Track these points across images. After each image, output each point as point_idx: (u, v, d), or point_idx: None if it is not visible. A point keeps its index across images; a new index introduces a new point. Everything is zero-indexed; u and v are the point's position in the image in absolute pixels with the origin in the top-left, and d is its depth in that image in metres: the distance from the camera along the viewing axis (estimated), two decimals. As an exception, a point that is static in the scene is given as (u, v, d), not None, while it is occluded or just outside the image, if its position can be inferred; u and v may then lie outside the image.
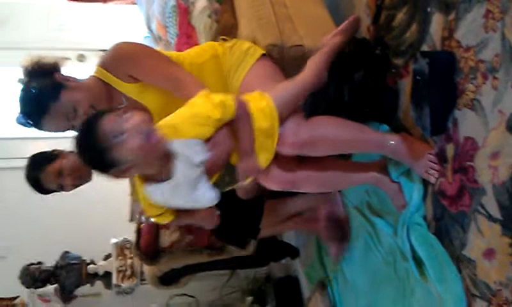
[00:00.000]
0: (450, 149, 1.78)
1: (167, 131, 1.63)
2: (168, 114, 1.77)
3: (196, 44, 2.82)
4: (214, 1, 2.72)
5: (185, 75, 2.00)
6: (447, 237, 1.82)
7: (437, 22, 1.81)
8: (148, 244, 3.02)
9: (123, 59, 2.04)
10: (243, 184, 2.07)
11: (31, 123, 1.97)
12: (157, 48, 3.43)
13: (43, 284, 3.86)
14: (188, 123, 1.68)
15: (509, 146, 1.50)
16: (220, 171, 1.85)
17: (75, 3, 5.22)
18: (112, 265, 3.91)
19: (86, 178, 2.28)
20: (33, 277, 3.79)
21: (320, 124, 1.92)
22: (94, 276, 3.96)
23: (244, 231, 2.69)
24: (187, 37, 3.11)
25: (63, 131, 2.00)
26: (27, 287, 3.84)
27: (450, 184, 1.78)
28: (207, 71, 2.11)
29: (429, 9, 1.85)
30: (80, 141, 1.57)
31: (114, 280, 3.87)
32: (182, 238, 3.01)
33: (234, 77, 2.08)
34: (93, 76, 2.07)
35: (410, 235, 1.97)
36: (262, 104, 1.81)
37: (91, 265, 3.96)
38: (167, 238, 3.00)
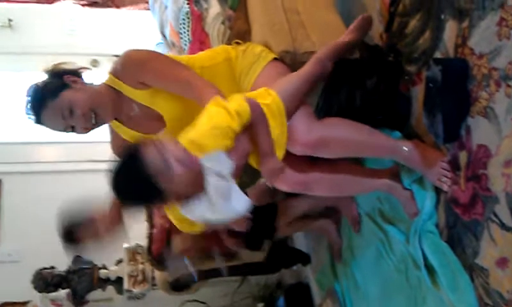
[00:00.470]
0: (463, 157, 1.77)
1: (191, 148, 1.62)
2: (181, 119, 1.77)
3: (209, 50, 2.83)
4: (227, 8, 2.73)
5: (196, 77, 2.00)
6: (460, 245, 1.81)
7: (450, 29, 1.81)
8: (160, 250, 3.03)
9: (132, 66, 2.05)
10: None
11: (33, 116, 2.00)
12: (170, 53, 3.46)
13: (56, 288, 3.86)
14: (209, 136, 1.66)
15: (522, 154, 1.49)
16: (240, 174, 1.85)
17: (89, 8, 5.27)
18: (124, 270, 3.90)
19: None
20: (46, 281, 3.79)
21: (333, 124, 1.93)
22: (105, 281, 3.95)
23: (260, 233, 2.68)
24: (200, 43, 3.12)
25: (63, 131, 2.02)
26: (40, 291, 3.84)
27: (463, 192, 1.77)
28: (220, 74, 2.12)
29: (442, 17, 1.84)
30: (124, 176, 1.56)
31: (125, 285, 3.86)
32: (194, 244, 3.01)
33: (246, 79, 2.09)
34: (104, 83, 2.09)
35: (422, 243, 1.96)
36: (268, 100, 1.80)
37: (103, 270, 3.95)
38: (179, 244, 3.00)
